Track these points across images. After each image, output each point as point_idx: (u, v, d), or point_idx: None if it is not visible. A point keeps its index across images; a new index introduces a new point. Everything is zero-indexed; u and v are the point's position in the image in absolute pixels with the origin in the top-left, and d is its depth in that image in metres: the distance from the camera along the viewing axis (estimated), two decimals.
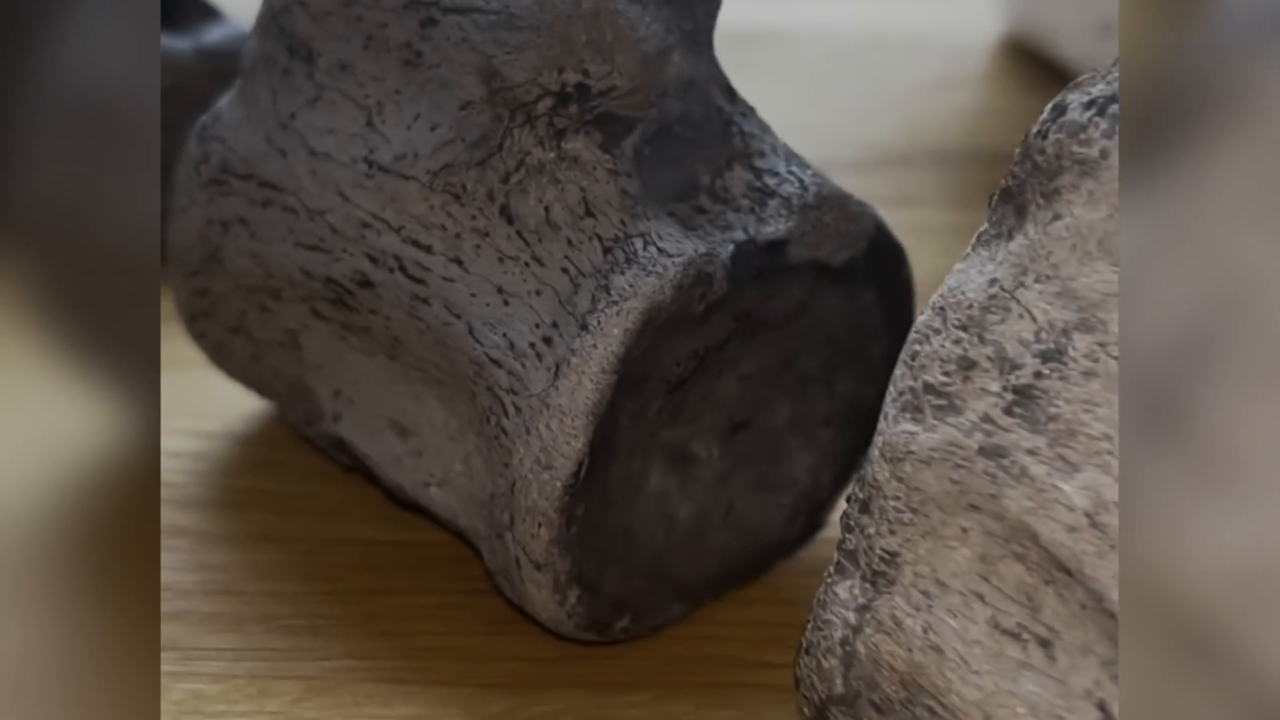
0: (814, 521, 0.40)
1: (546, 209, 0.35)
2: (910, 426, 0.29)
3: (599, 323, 0.34)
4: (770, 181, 0.36)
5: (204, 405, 0.45)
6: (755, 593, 0.39)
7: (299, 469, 0.43)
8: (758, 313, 0.36)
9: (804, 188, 0.36)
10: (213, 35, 0.50)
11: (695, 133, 0.37)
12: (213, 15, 0.51)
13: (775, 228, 0.36)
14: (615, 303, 0.34)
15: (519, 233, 0.35)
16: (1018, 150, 0.29)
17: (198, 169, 0.40)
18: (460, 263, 0.36)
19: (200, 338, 0.42)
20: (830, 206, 0.36)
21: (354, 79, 0.38)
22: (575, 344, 0.34)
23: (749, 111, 0.38)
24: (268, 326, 0.40)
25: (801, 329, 0.38)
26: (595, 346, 0.34)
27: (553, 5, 0.35)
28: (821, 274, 0.37)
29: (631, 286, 0.34)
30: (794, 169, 0.37)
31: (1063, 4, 0.67)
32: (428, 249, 0.36)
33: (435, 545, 0.40)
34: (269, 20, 0.39)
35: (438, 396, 0.37)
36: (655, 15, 0.35)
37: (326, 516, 0.41)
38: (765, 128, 0.37)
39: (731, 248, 0.35)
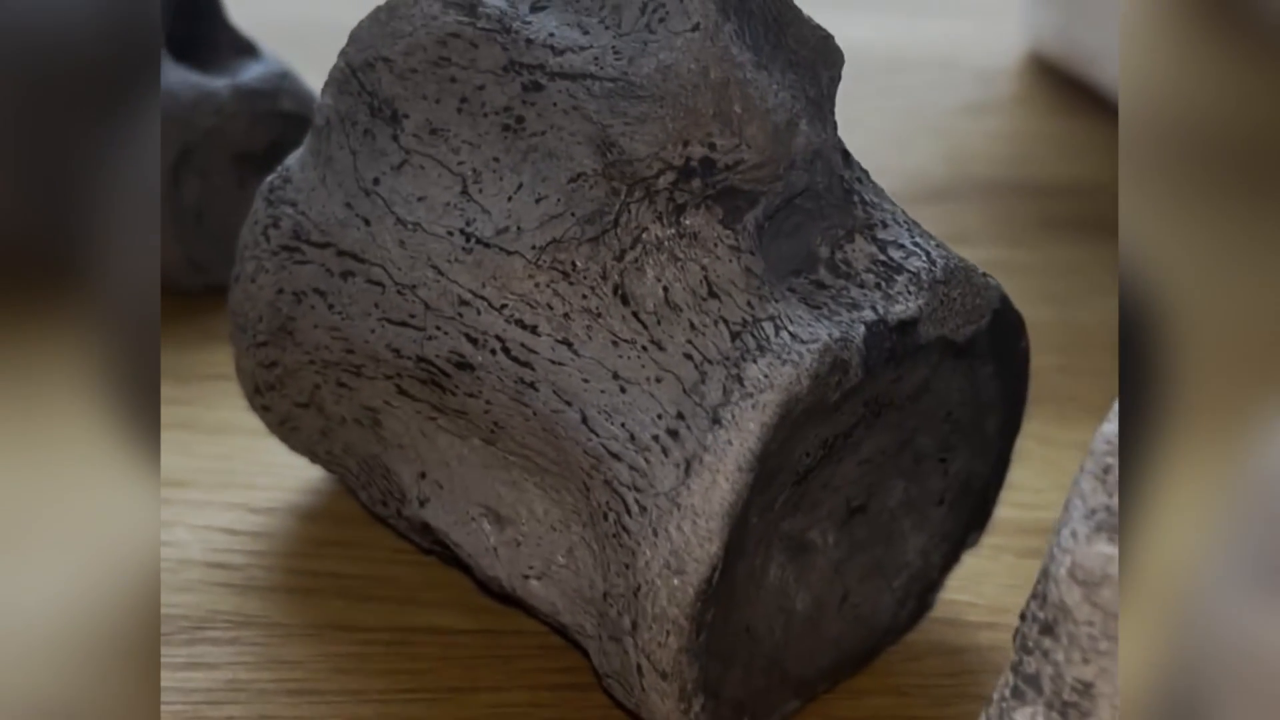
0: (923, 604, 0.38)
1: (665, 289, 0.33)
2: (1107, 548, 0.27)
3: (733, 417, 0.31)
4: (896, 255, 0.34)
5: (259, 477, 0.42)
6: (865, 683, 0.37)
7: (367, 549, 0.40)
8: (884, 395, 0.34)
9: (931, 262, 0.34)
10: (250, 73, 0.48)
11: (815, 204, 0.34)
12: (249, 51, 0.49)
13: (905, 306, 0.33)
14: (750, 395, 0.31)
15: (635, 314, 0.33)
16: None
17: (266, 234, 0.37)
18: (570, 345, 0.33)
19: (264, 410, 0.39)
20: (957, 281, 0.34)
21: (446, 144, 0.35)
22: (707, 439, 0.31)
23: (864, 176, 0.35)
24: (343, 402, 0.37)
25: (921, 407, 0.35)
26: (730, 443, 0.31)
27: (677, 74, 0.32)
28: (945, 350, 0.35)
29: (766, 377, 0.32)
30: (918, 240, 0.34)
31: (1096, 25, 0.65)
32: (533, 330, 0.34)
33: (520, 634, 0.38)
34: (347, 77, 0.36)
35: (539, 484, 0.35)
36: (781, 83, 0.33)
37: (403, 603, 0.38)
38: (881, 193, 0.35)
39: (863, 330, 0.33)
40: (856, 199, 0.35)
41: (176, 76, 0.46)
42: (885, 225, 0.35)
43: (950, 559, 0.38)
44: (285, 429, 0.39)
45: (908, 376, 0.34)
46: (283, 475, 0.42)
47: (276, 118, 0.48)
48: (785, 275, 0.34)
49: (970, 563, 0.40)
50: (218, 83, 0.47)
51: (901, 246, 0.34)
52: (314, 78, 0.52)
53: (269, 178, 0.38)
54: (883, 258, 0.34)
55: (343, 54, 0.37)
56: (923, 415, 0.36)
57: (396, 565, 0.39)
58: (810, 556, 0.35)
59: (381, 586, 0.39)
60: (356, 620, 0.38)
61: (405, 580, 0.39)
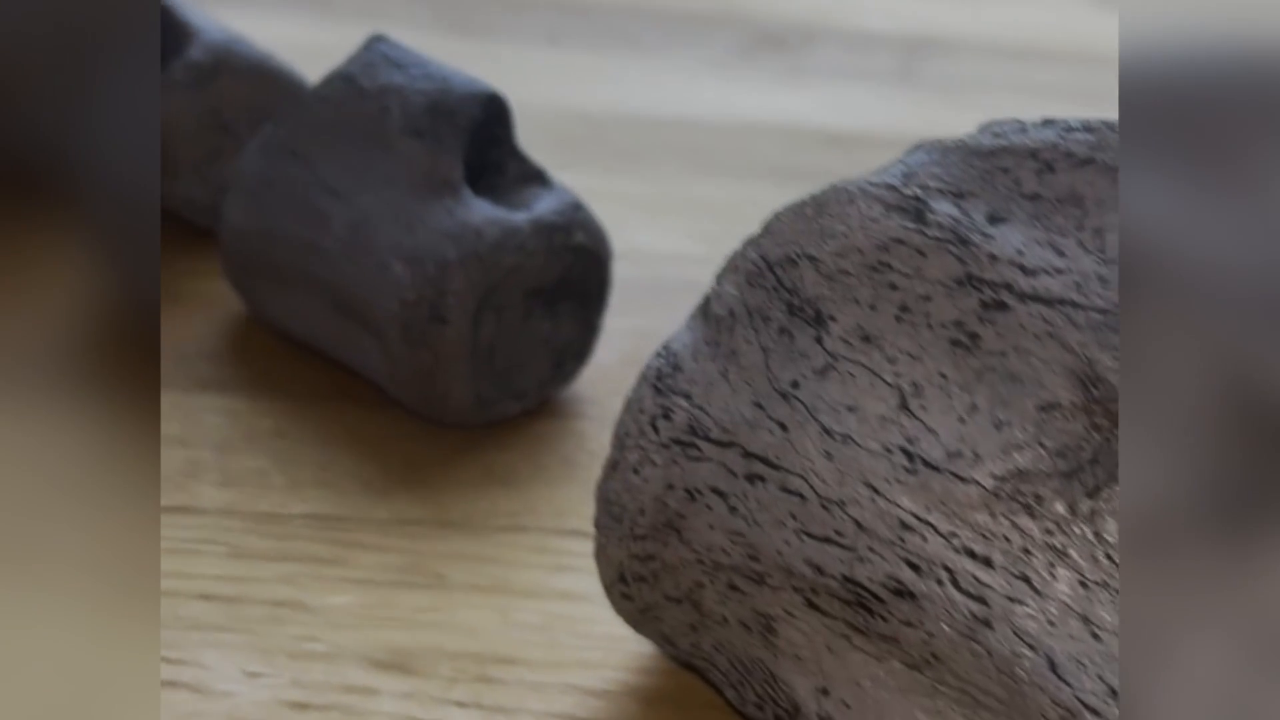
0: None
1: None
2: None
3: None
4: None
5: (588, 653, 0.40)
6: None
7: None
8: None
9: None
10: (545, 204, 0.45)
11: None
12: (538, 179, 0.46)
13: None
14: None
15: (1109, 556, 0.31)
16: None
17: (655, 425, 0.35)
18: (1029, 582, 0.31)
19: (624, 599, 0.37)
20: None
21: (881, 352, 0.33)
22: None
23: None
24: (729, 604, 0.35)
25: None
26: None
27: None
28: None
29: None
30: None
31: None
32: (986, 562, 0.32)
33: None
34: (761, 269, 0.34)
35: (968, 716, 0.33)
36: None
37: None
38: None
39: None
40: None
41: (479, 213, 0.44)
42: None
43: None
44: (644, 617, 0.37)
45: None
46: (611, 651, 0.40)
47: (568, 251, 0.46)
48: None
49: None
50: (518, 218, 0.44)
51: None
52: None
53: (654, 363, 0.36)
54: None
55: (755, 245, 0.35)
56: None
57: None
58: None
59: None
60: None
61: None
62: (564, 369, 0.47)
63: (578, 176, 0.60)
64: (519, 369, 0.46)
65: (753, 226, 0.59)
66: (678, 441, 0.35)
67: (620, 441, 0.36)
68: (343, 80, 0.46)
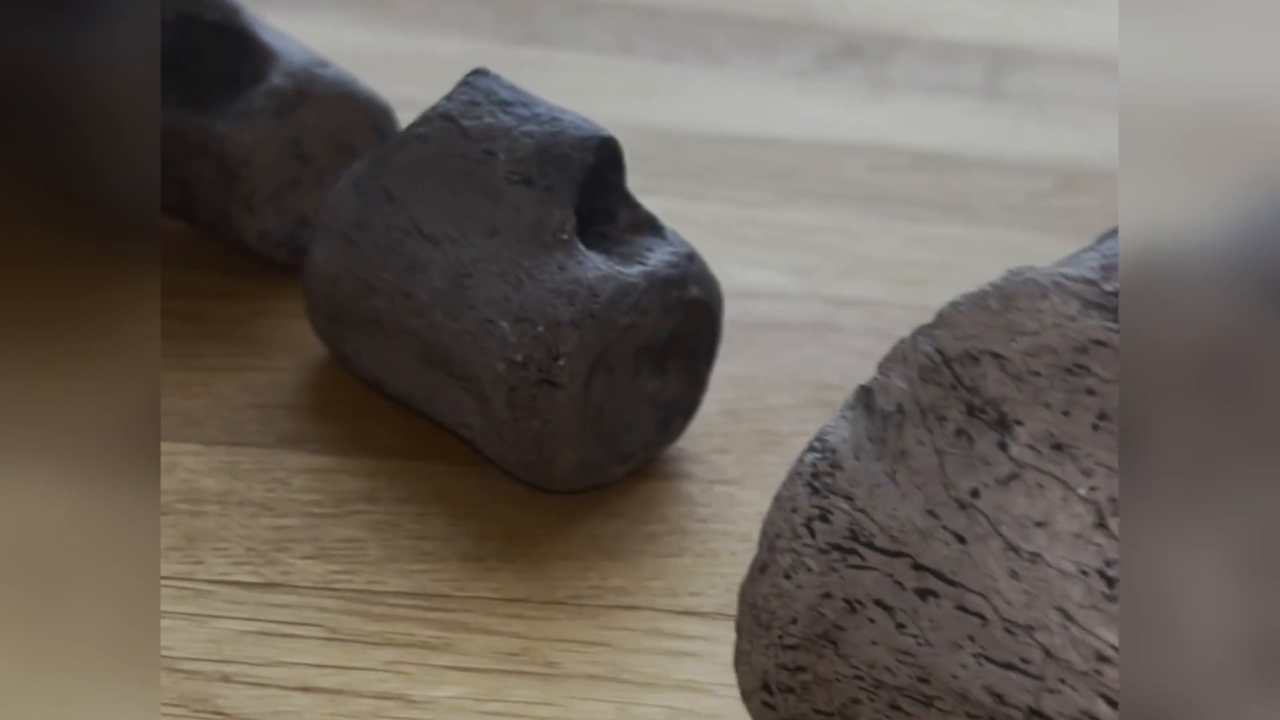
0: None
1: None
2: None
3: None
4: None
5: None
6: None
7: None
8: None
9: None
10: (659, 256, 0.42)
11: None
12: (651, 227, 0.43)
13: None
14: None
15: None
16: None
17: (810, 527, 0.33)
18: None
19: (767, 707, 0.34)
20: None
21: (1074, 464, 0.30)
22: None
23: None
24: None
25: None
26: None
27: None
28: None
29: None
30: None
31: None
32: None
33: None
34: (936, 364, 0.32)
35: None
36: None
37: None
38: None
39: None
40: None
41: (592, 268, 0.41)
42: None
43: None
44: None
45: None
46: None
47: (681, 306, 0.43)
48: None
49: None
50: (632, 273, 0.41)
51: None
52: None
53: (809, 457, 0.33)
54: None
55: (928, 336, 0.32)
56: None
57: None
58: None
59: None
60: None
61: None
62: (671, 427, 0.44)
63: (655, 200, 0.57)
64: (625, 430, 0.43)
65: (845, 259, 0.56)
66: (837, 547, 0.32)
67: (770, 542, 0.33)
68: (443, 119, 0.43)
